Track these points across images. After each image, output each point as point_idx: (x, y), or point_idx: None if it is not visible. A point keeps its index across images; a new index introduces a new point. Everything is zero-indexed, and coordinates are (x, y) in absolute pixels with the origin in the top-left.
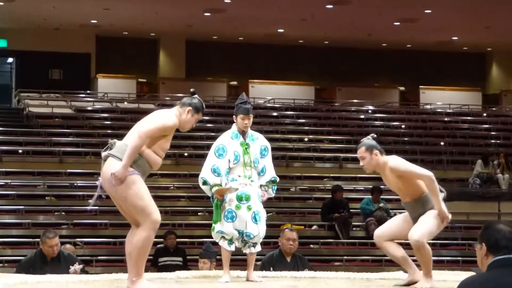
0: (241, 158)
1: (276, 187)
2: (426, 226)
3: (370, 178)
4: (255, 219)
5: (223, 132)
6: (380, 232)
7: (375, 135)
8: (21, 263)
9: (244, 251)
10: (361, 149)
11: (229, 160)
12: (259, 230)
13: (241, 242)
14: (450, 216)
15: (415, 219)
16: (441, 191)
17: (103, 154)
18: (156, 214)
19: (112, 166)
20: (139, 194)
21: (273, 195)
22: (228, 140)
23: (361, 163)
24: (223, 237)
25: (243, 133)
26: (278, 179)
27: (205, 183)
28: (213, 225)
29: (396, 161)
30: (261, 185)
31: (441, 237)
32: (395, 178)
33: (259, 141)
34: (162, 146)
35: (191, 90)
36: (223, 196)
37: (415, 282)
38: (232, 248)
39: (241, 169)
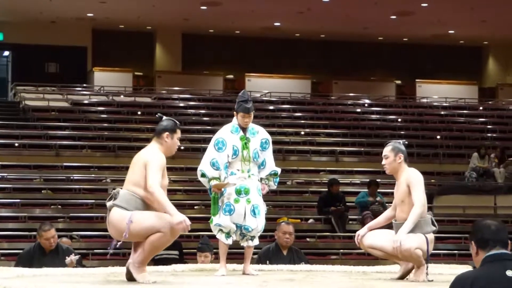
0: (239, 153)
1: (278, 179)
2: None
3: (366, 172)
4: (254, 213)
5: (220, 126)
6: (364, 237)
7: (406, 142)
8: (20, 256)
9: (241, 244)
10: (388, 148)
11: (228, 155)
12: (257, 224)
13: (239, 235)
14: (400, 245)
15: None
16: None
17: (108, 204)
18: (166, 221)
19: (117, 216)
20: (143, 220)
21: (274, 187)
22: (228, 134)
23: (383, 162)
24: (220, 230)
25: (242, 128)
26: (279, 171)
27: (203, 175)
28: (211, 217)
29: (415, 172)
30: (261, 179)
31: (437, 230)
32: (405, 187)
33: (259, 135)
34: (162, 184)
35: (157, 115)
36: (221, 190)
37: (409, 271)
38: (230, 241)
39: (239, 163)
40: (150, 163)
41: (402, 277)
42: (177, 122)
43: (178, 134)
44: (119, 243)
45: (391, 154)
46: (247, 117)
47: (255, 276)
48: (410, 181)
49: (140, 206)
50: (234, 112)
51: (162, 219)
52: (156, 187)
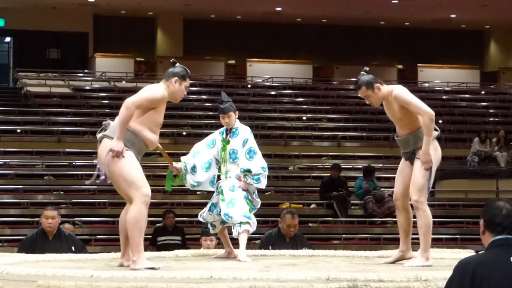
0: (219, 155)
1: (258, 177)
2: (420, 182)
3: (368, 157)
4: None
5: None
6: (394, 196)
7: (367, 68)
8: (23, 242)
9: (233, 234)
10: (362, 90)
11: (213, 154)
12: (227, 210)
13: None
14: (431, 161)
15: (408, 158)
16: (435, 129)
17: (98, 136)
18: (146, 187)
19: (106, 146)
20: (130, 169)
21: (255, 184)
22: (218, 135)
23: (367, 102)
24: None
25: (228, 129)
26: (254, 169)
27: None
28: None
29: (401, 90)
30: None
31: (440, 215)
32: (398, 107)
33: (240, 136)
34: (155, 120)
35: (171, 60)
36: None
37: (404, 259)
38: (213, 231)
39: (221, 165)
40: (146, 89)
41: (396, 261)
42: (189, 71)
43: (187, 83)
44: (101, 178)
45: (369, 91)
46: (225, 118)
47: (257, 261)
48: (401, 100)
49: (129, 137)
50: None
51: (143, 182)
52: (129, 107)
